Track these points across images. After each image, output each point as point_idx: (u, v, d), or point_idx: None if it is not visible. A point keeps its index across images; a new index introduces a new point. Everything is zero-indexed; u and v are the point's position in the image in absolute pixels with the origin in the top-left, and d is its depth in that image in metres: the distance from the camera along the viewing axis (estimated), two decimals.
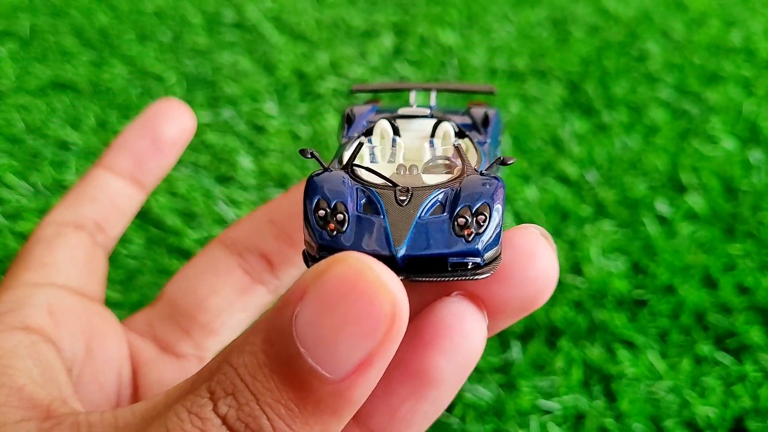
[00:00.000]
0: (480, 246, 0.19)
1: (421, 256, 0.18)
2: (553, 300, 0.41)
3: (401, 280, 0.18)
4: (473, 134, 0.23)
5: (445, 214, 0.19)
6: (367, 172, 0.20)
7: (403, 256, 0.18)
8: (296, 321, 0.16)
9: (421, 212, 0.19)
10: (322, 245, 0.19)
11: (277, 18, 0.69)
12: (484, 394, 0.37)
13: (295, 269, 0.29)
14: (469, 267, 0.19)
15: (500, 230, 0.19)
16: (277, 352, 0.16)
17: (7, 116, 0.56)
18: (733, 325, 0.40)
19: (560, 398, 0.37)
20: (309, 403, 0.17)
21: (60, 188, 0.49)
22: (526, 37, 0.66)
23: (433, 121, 0.23)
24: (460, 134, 0.23)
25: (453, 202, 0.19)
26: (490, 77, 0.61)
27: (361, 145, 0.22)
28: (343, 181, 0.20)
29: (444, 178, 0.21)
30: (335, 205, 0.19)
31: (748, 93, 0.58)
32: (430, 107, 0.25)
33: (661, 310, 0.41)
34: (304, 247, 0.20)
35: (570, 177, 0.50)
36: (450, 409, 0.36)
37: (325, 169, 0.20)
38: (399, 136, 0.23)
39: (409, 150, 0.23)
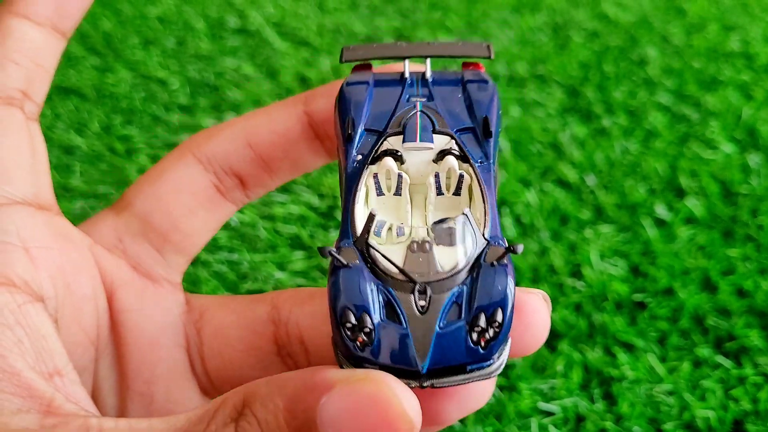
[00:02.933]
0: (495, 352, 0.20)
1: (443, 368, 0.20)
2: (554, 303, 0.41)
3: (425, 387, 0.20)
4: (474, 146, 0.24)
5: (462, 321, 0.20)
6: (384, 257, 0.21)
7: (427, 370, 0.20)
8: (322, 409, 0.18)
9: (440, 322, 0.20)
10: (353, 356, 0.20)
11: (280, 24, 0.69)
12: None
13: (264, 190, 0.28)
14: (486, 369, 0.21)
15: (510, 320, 0.21)
16: (299, 427, 0.19)
17: None
18: (733, 328, 0.40)
19: (560, 401, 0.37)
20: None
21: (65, 192, 0.49)
22: (526, 42, 0.66)
23: (437, 149, 0.24)
24: (462, 158, 0.24)
25: (468, 303, 0.21)
26: None
27: (372, 216, 0.22)
28: (366, 284, 0.21)
29: (458, 254, 0.21)
30: (361, 317, 0.20)
31: (747, 97, 0.58)
32: (426, 82, 0.25)
33: (660, 313, 0.41)
34: (333, 341, 0.21)
35: (570, 181, 0.50)
36: None
37: (345, 266, 0.21)
38: (403, 162, 0.24)
39: (414, 176, 0.24)
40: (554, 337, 0.40)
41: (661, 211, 0.47)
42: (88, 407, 0.22)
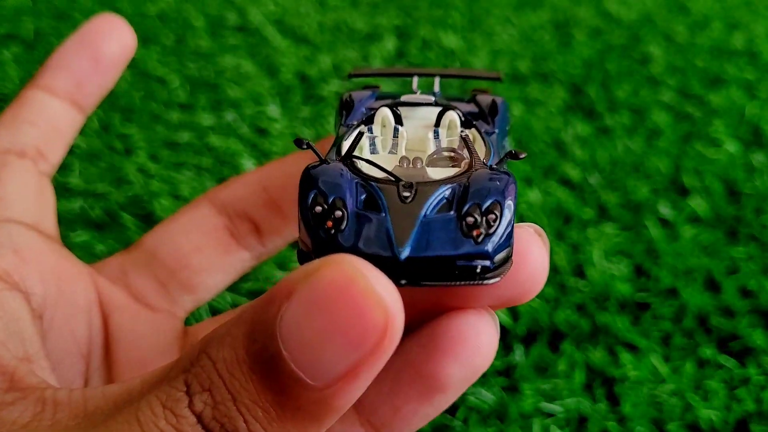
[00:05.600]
0: (490, 248, 0.17)
1: (426, 258, 0.17)
2: (556, 303, 0.41)
3: (403, 285, 0.17)
4: (480, 124, 0.22)
5: (452, 212, 0.18)
6: (368, 164, 0.19)
7: (406, 258, 0.17)
8: (281, 321, 0.15)
9: (427, 210, 0.17)
10: (318, 244, 0.17)
11: (280, 21, 0.69)
12: (487, 397, 0.37)
13: (280, 239, 0.28)
14: (478, 271, 0.17)
15: (512, 230, 0.18)
16: (259, 351, 0.15)
17: None
18: (736, 329, 0.40)
19: (563, 401, 0.37)
20: (288, 408, 0.16)
21: (64, 192, 0.49)
22: (528, 40, 0.66)
23: (438, 109, 0.22)
24: (466, 123, 0.21)
25: (461, 199, 0.18)
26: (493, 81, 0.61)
27: (360, 134, 0.20)
28: (342, 174, 0.18)
29: (451, 172, 0.19)
30: (333, 201, 0.17)
31: (750, 96, 0.58)
32: (434, 94, 0.23)
33: (663, 313, 0.41)
34: (299, 243, 0.19)
35: (572, 180, 0.50)
36: (453, 413, 0.36)
37: (322, 161, 0.19)
38: (401, 125, 0.21)
39: (412, 140, 0.21)
40: (557, 337, 0.40)
41: (664, 210, 0.47)
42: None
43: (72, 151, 0.53)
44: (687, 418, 0.36)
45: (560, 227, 0.46)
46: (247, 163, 0.52)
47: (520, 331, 0.40)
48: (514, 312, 0.41)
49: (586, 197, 0.49)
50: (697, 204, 0.47)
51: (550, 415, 0.36)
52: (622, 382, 0.37)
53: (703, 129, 0.54)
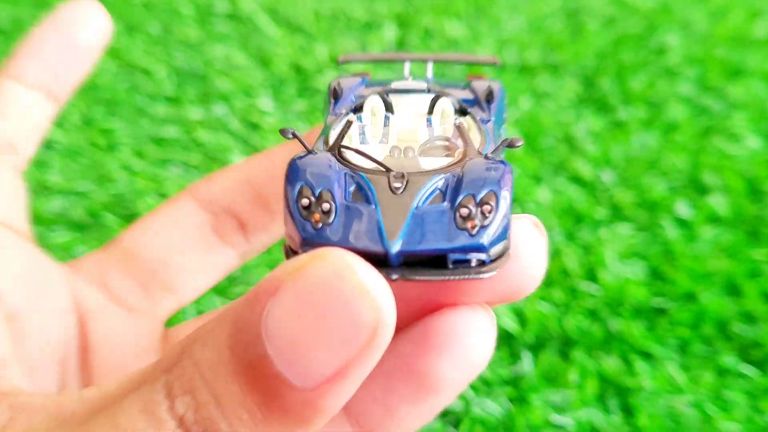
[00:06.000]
0: (485, 241, 0.17)
1: (418, 252, 0.17)
2: (567, 308, 0.41)
3: (395, 279, 0.17)
4: (475, 111, 0.22)
5: (445, 203, 0.18)
6: (357, 154, 0.20)
7: (398, 252, 0.17)
8: (266, 319, 0.15)
9: (419, 201, 0.18)
10: (305, 239, 0.18)
11: (273, 9, 0.69)
12: (493, 408, 0.37)
13: (267, 236, 0.28)
14: (473, 264, 0.18)
15: (508, 222, 0.18)
16: (244, 351, 0.16)
17: None
18: (758, 335, 0.40)
19: (574, 413, 0.37)
20: (275, 410, 0.16)
21: (44, 189, 0.49)
22: (537, 28, 0.66)
23: (431, 96, 0.22)
24: (461, 111, 0.22)
25: (455, 189, 0.18)
26: (498, 72, 0.61)
27: (349, 123, 0.21)
28: (330, 165, 0.19)
29: (444, 161, 0.20)
30: (320, 193, 0.18)
31: None
32: (426, 80, 0.24)
33: (681, 319, 0.41)
34: (285, 238, 0.19)
35: (584, 177, 0.50)
36: (457, 425, 0.36)
37: (309, 152, 0.19)
38: (392, 113, 0.22)
39: (404, 129, 0.21)
40: (568, 344, 0.40)
41: (682, 209, 0.47)
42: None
43: (51, 147, 0.53)
44: (706, 431, 0.36)
45: (571, 228, 0.46)
46: (238, 159, 0.52)
47: (528, 338, 0.40)
48: (521, 318, 0.41)
49: (598, 196, 0.49)
50: (717, 203, 0.47)
51: (560, 427, 0.36)
52: (637, 393, 0.37)
53: (722, 123, 0.54)
